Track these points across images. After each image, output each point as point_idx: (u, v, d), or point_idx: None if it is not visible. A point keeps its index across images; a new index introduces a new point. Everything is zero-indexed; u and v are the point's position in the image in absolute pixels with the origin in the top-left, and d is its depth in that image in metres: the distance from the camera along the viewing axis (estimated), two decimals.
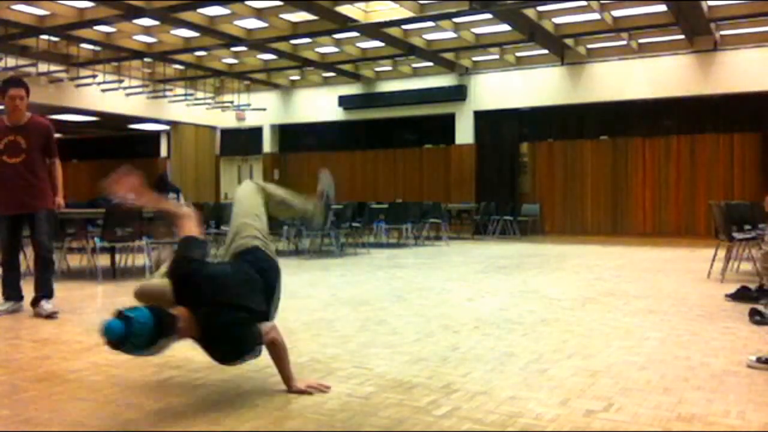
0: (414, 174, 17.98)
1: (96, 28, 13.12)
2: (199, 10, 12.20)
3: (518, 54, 15.73)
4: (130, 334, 2.49)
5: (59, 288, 5.56)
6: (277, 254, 3.42)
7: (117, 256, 8.23)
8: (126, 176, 3.21)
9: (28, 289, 5.28)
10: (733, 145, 14.18)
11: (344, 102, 18.10)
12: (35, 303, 5.14)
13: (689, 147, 14.84)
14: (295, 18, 13.02)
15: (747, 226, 7.90)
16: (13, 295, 5.25)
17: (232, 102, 17.89)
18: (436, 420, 2.74)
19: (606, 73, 15.05)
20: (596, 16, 12.51)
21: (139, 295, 3.11)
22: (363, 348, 4.04)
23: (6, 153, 5.10)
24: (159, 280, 3.18)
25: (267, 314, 3.11)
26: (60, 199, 5.34)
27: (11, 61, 13.53)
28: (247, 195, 3.41)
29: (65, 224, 7.71)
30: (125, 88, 15.86)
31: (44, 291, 5.15)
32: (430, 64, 16.20)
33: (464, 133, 16.78)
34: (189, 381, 3.26)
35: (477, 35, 14.07)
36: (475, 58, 16.21)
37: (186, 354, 3.87)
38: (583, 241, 13.58)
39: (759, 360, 3.55)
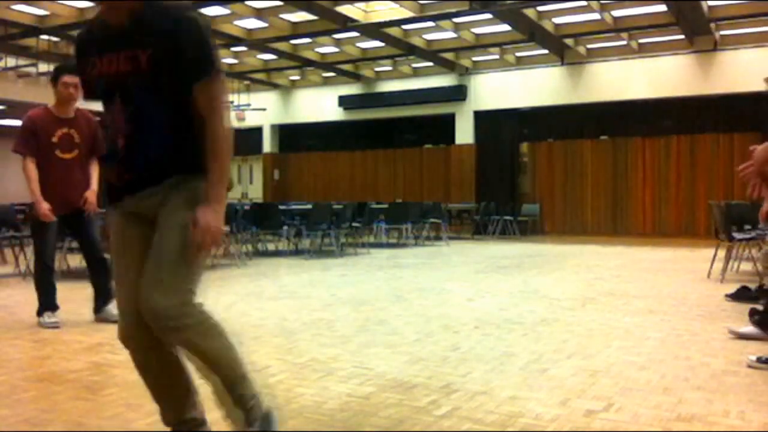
0: (414, 174, 17.98)
1: None
2: (199, 10, 12.18)
3: (518, 54, 15.73)
4: None
5: (60, 288, 5.50)
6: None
7: None
8: None
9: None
10: (733, 145, 14.18)
11: (344, 102, 18.10)
12: (100, 310, 4.89)
13: (689, 147, 14.84)
14: (295, 18, 13.02)
15: (747, 226, 7.90)
16: (54, 305, 4.85)
17: (232, 102, 17.87)
18: (436, 420, 2.74)
19: (606, 73, 15.05)
20: (596, 16, 12.52)
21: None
22: (363, 348, 4.04)
23: (60, 147, 4.69)
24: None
25: None
26: (92, 197, 4.92)
27: (11, 61, 13.55)
28: None
29: None
30: None
31: (107, 294, 4.85)
32: (430, 64, 16.20)
33: (464, 133, 16.78)
34: None
35: (477, 35, 14.07)
36: (475, 58, 16.20)
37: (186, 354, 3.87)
38: (583, 241, 13.57)
39: (759, 360, 3.55)
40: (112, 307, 4.81)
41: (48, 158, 4.69)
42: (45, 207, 4.63)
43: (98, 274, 4.92)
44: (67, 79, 4.68)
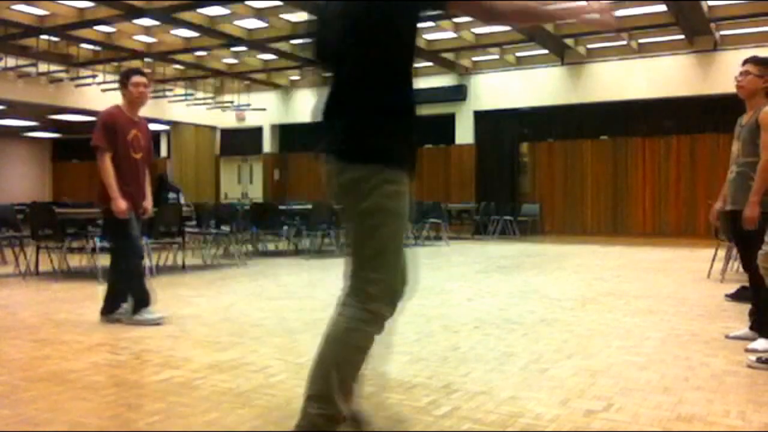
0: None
1: (96, 28, 13.12)
2: (199, 10, 12.20)
3: (518, 54, 15.72)
4: None
5: (60, 288, 5.52)
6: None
7: None
8: None
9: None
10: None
11: None
12: (110, 311, 4.87)
13: (689, 147, 14.84)
14: (295, 18, 13.01)
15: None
16: (147, 301, 4.83)
17: (232, 102, 17.87)
18: (436, 420, 2.74)
19: (606, 73, 15.05)
20: (596, 16, 12.50)
21: None
22: None
23: (132, 147, 4.80)
24: None
25: None
26: (149, 205, 5.02)
27: (11, 61, 13.55)
28: None
29: (65, 224, 7.70)
30: None
31: (122, 298, 4.88)
32: (430, 64, 16.19)
33: (464, 133, 16.78)
34: (189, 381, 3.26)
35: (477, 35, 14.06)
36: (475, 58, 16.20)
37: (186, 354, 3.88)
38: (583, 241, 13.57)
39: (759, 360, 3.55)
40: (125, 310, 4.88)
41: (124, 156, 4.77)
42: (124, 204, 4.66)
43: (122, 278, 4.87)
44: (138, 79, 4.80)
